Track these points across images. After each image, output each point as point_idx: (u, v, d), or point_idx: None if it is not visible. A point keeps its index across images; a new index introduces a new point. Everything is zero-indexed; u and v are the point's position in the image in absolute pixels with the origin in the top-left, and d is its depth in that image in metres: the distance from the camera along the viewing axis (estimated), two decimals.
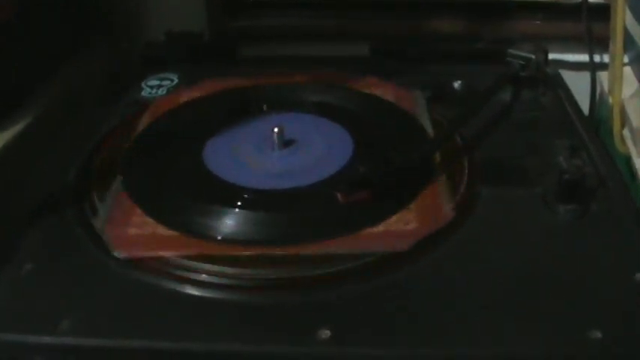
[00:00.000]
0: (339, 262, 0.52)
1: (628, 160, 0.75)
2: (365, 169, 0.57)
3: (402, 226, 0.55)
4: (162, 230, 0.56)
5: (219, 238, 0.55)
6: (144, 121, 0.72)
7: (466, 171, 0.62)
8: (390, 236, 0.54)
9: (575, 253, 0.53)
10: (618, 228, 0.56)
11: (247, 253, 0.53)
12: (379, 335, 0.46)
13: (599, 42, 0.88)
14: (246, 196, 0.59)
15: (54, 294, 0.51)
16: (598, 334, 0.45)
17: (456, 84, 0.76)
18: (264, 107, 0.74)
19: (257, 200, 0.58)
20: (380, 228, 0.55)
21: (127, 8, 0.94)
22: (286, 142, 0.65)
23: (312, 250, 0.53)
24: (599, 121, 0.87)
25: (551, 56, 0.81)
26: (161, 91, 0.79)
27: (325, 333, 0.46)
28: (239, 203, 0.58)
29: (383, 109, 0.73)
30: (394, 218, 0.56)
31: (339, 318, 0.47)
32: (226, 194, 0.59)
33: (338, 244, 0.53)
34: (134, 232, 0.56)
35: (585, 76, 0.90)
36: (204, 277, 0.51)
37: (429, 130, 0.68)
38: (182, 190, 0.60)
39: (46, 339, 0.47)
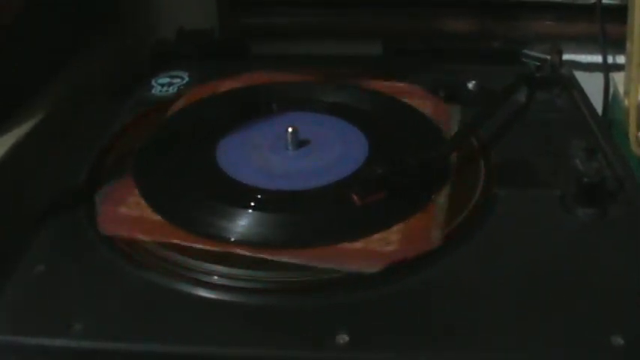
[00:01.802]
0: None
1: None
2: (381, 170, 0.57)
3: (382, 246, 0.53)
4: (150, 214, 0.57)
5: (232, 239, 0.54)
6: (156, 120, 0.71)
7: (482, 172, 0.62)
8: (367, 254, 0.52)
9: (595, 257, 0.52)
10: (638, 231, 0.55)
11: (265, 256, 0.52)
12: (397, 340, 0.46)
13: (612, 42, 0.87)
14: (259, 196, 0.58)
15: (66, 296, 0.50)
16: (620, 340, 0.45)
17: (470, 84, 0.76)
18: (274, 107, 0.74)
19: (271, 201, 0.58)
20: (359, 245, 0.53)
21: (137, 5, 0.93)
22: (300, 143, 0.65)
23: (328, 253, 0.52)
24: (611, 122, 0.87)
25: (564, 56, 0.80)
26: (172, 89, 0.78)
27: (343, 338, 0.45)
28: (252, 204, 0.57)
29: (398, 110, 0.72)
30: (377, 236, 0.53)
31: (357, 322, 0.46)
32: (240, 195, 0.58)
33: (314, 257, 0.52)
34: (124, 211, 0.57)
35: (598, 76, 0.90)
36: (217, 279, 0.51)
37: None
38: (195, 191, 0.60)
39: (59, 341, 0.46)
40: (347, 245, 0.53)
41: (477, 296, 0.49)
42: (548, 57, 0.75)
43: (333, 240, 0.53)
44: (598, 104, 0.87)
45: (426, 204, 0.57)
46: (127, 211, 0.57)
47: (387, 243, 0.53)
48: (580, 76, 0.82)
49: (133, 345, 0.46)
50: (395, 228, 0.54)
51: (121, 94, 0.78)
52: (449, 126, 0.68)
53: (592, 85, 0.85)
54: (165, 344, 0.46)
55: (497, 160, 0.63)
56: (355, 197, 0.55)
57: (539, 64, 0.76)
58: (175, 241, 0.54)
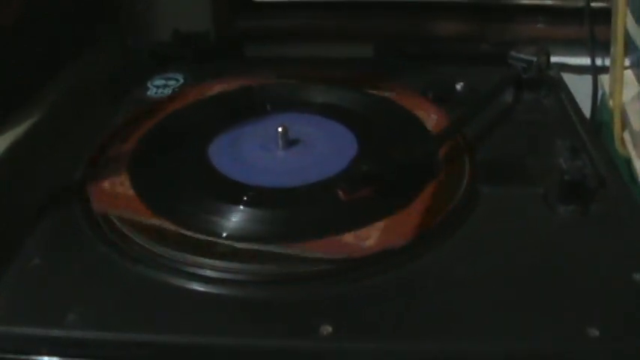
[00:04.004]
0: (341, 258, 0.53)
1: (628, 163, 0.75)
2: (367, 166, 0.58)
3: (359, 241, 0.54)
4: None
5: (224, 234, 0.55)
6: (151, 120, 0.73)
7: (467, 170, 0.63)
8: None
9: (575, 252, 0.54)
10: (617, 228, 0.56)
11: (249, 248, 0.54)
12: (380, 331, 0.47)
13: (601, 45, 0.89)
14: (250, 193, 0.60)
15: (61, 288, 0.51)
16: (596, 332, 0.46)
17: (459, 85, 0.77)
18: (268, 107, 0.75)
19: (261, 198, 0.59)
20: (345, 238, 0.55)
21: (134, 8, 0.95)
22: (290, 142, 0.66)
23: (315, 247, 0.54)
24: (600, 123, 0.88)
25: (553, 59, 0.81)
26: (166, 91, 0.79)
27: (327, 329, 0.47)
28: (243, 200, 0.58)
29: (386, 109, 0.74)
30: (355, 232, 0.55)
31: (340, 314, 0.48)
32: (231, 192, 0.60)
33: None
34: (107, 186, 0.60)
35: (587, 78, 0.91)
36: (208, 272, 0.52)
37: None
38: (188, 188, 0.61)
39: (54, 332, 0.48)
40: (333, 238, 0.54)
41: (459, 290, 0.50)
42: (535, 59, 0.77)
43: (320, 234, 0.55)
44: (587, 105, 0.88)
45: (412, 200, 0.58)
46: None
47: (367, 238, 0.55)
48: (569, 78, 0.83)
49: (126, 335, 0.48)
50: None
51: (117, 96, 0.79)
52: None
53: (581, 87, 0.87)
54: (156, 334, 0.48)
55: (482, 158, 0.65)
56: (341, 193, 0.57)
57: (525, 65, 0.77)
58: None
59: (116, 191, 0.60)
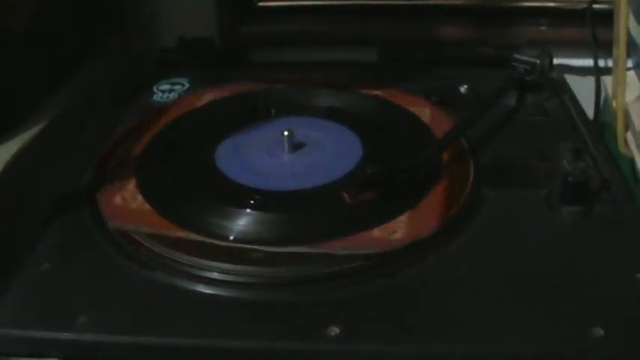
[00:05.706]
0: (348, 261, 0.53)
1: (631, 163, 0.76)
2: (372, 170, 0.59)
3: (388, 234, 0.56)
4: (146, 206, 0.60)
5: (231, 237, 0.56)
6: (157, 125, 0.73)
7: (471, 173, 0.63)
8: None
9: (579, 253, 0.54)
10: (621, 229, 0.57)
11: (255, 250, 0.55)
12: (386, 332, 0.48)
13: (603, 47, 0.89)
14: (257, 197, 0.60)
15: (71, 292, 0.52)
16: (600, 332, 0.47)
17: (462, 88, 0.78)
18: (273, 111, 0.76)
19: (268, 201, 0.60)
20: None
21: (141, 14, 0.95)
22: (296, 145, 0.67)
23: (320, 250, 0.54)
24: (603, 124, 0.88)
25: (556, 61, 0.82)
26: (172, 96, 0.80)
27: (334, 330, 0.47)
28: (250, 204, 0.59)
29: (391, 113, 0.74)
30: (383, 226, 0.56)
31: (347, 316, 0.49)
32: (238, 196, 0.61)
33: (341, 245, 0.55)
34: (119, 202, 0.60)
35: (590, 80, 0.91)
36: (215, 275, 0.53)
37: None
38: (195, 192, 0.62)
39: (64, 335, 0.49)
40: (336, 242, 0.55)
41: (464, 291, 0.51)
42: (538, 61, 0.77)
43: (327, 237, 0.55)
44: (591, 107, 0.88)
45: (416, 203, 0.59)
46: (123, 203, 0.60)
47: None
48: (573, 79, 0.84)
49: (136, 338, 0.49)
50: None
51: (124, 101, 0.80)
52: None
53: (585, 89, 0.87)
54: (165, 338, 0.49)
55: (486, 161, 0.66)
56: (346, 196, 0.57)
57: (529, 68, 0.77)
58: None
59: (130, 207, 0.60)
